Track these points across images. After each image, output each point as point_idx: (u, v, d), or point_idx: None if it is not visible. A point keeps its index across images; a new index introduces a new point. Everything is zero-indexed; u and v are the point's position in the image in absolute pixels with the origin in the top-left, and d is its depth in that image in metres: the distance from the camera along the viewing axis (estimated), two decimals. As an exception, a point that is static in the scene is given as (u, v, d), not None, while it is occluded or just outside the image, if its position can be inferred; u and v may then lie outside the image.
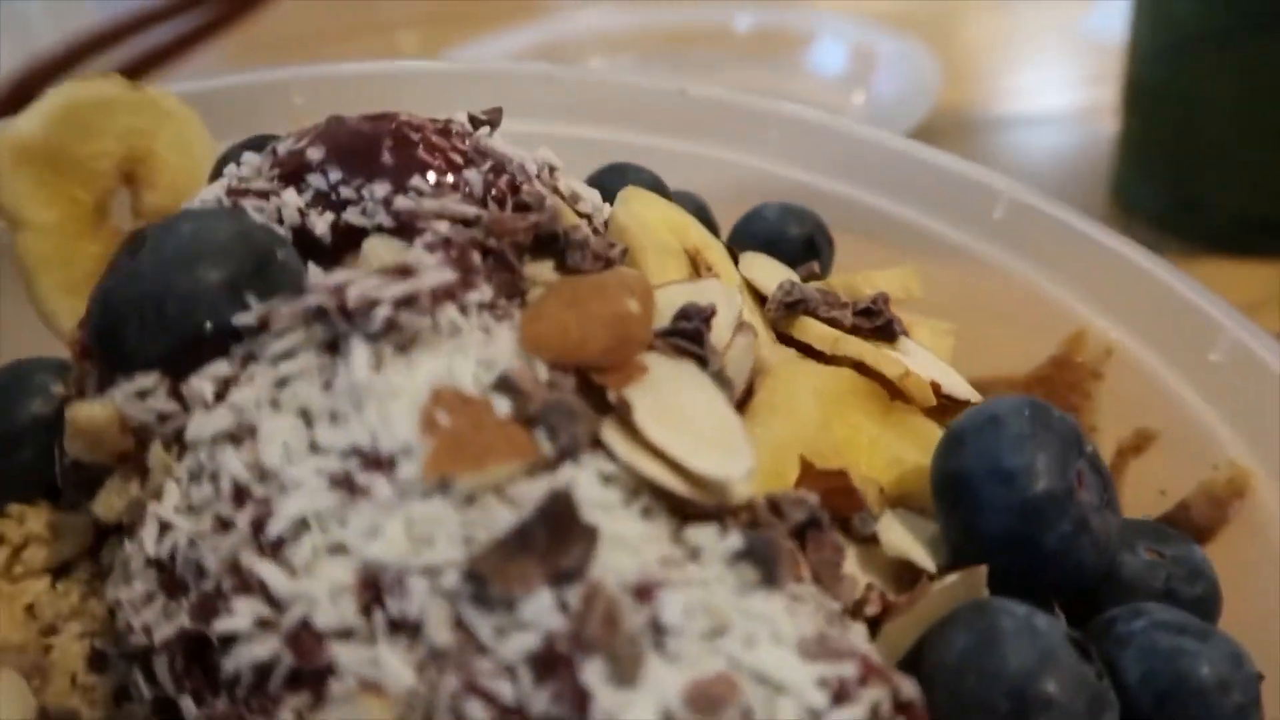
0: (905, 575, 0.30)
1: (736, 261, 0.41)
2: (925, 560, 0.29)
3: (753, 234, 0.46)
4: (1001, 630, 0.26)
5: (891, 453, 0.34)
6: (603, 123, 0.52)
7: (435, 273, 0.26)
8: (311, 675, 0.22)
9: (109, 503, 0.26)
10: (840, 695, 0.22)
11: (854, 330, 0.39)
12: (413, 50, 1.16)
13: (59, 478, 0.28)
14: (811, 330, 0.36)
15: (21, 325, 0.36)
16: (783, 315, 0.37)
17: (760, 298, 0.39)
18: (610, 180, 0.45)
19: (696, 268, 0.39)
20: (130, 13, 0.78)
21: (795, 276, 0.42)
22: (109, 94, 0.37)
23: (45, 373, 0.31)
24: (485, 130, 0.35)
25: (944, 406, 0.36)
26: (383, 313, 0.25)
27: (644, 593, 0.23)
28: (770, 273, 0.40)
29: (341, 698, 0.22)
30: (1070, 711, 0.24)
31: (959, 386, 0.37)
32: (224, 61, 0.87)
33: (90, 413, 0.25)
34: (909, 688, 0.24)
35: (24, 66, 0.76)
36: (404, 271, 0.26)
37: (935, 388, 0.36)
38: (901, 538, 0.30)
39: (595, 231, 0.36)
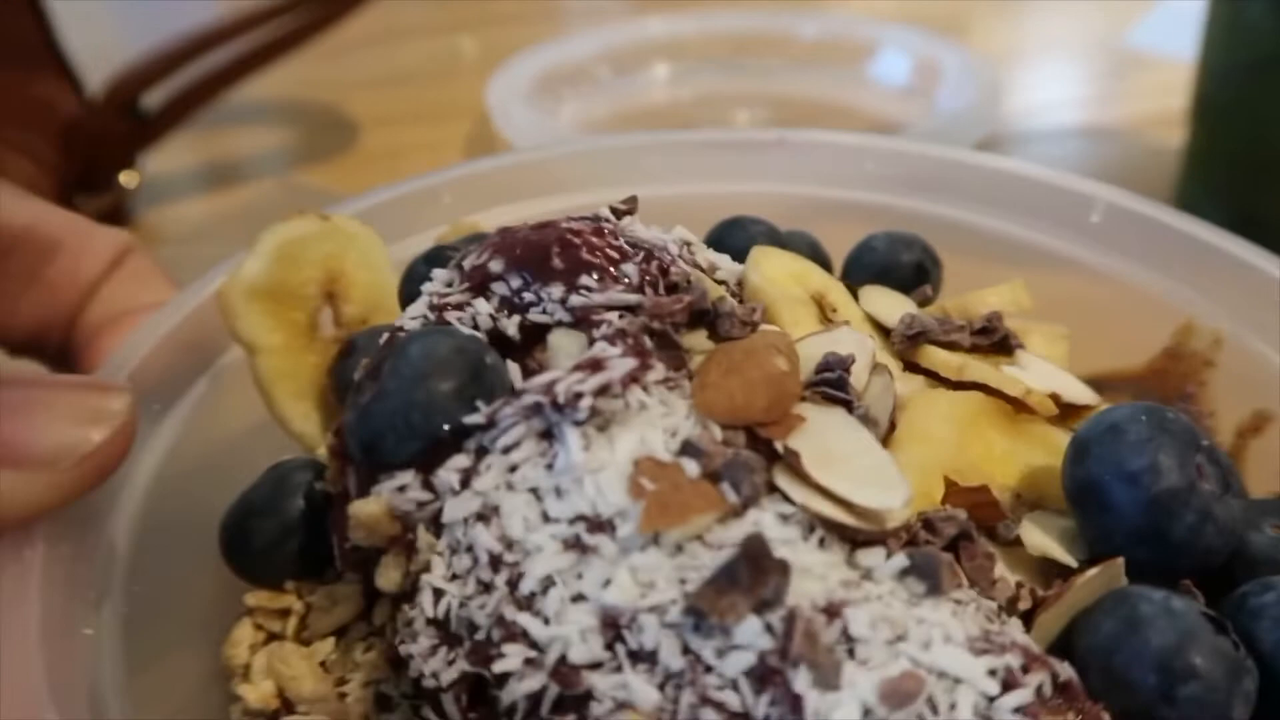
0: (1050, 571, 0.34)
1: (856, 295, 0.46)
2: (1065, 557, 0.33)
3: (865, 265, 0.51)
4: (1143, 614, 0.29)
5: (1023, 461, 0.38)
6: (710, 178, 0.57)
7: (621, 363, 0.32)
8: (574, 700, 0.28)
9: (388, 576, 0.32)
10: (1009, 682, 0.27)
11: (974, 349, 0.43)
12: (474, 54, 1.21)
13: (337, 559, 0.34)
14: (936, 358, 0.40)
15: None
16: (907, 347, 0.42)
17: (882, 329, 0.43)
18: (729, 235, 0.51)
19: (823, 310, 0.43)
20: (236, 16, 0.87)
21: (912, 304, 0.46)
22: (307, 230, 0.44)
23: (302, 471, 0.38)
24: (628, 219, 0.41)
25: (1066, 412, 0.40)
26: (586, 403, 0.31)
27: (833, 611, 0.28)
28: (890, 305, 0.45)
29: (603, 715, 0.27)
30: (1212, 681, 0.28)
31: (1078, 392, 0.41)
32: (293, 68, 0.92)
33: (367, 509, 0.31)
34: (1066, 670, 0.28)
35: (137, 63, 0.84)
36: (596, 365, 0.32)
37: (1055, 398, 0.39)
38: (1042, 539, 0.34)
39: (734, 294, 0.41)
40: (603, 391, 0.31)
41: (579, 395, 0.31)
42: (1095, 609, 0.31)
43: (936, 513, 0.33)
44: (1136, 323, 0.46)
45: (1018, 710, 0.26)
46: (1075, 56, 1.14)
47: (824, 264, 0.54)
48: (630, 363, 0.32)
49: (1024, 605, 0.32)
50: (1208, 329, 0.44)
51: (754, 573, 0.28)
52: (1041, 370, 0.42)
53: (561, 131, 0.89)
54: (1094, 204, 0.48)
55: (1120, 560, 0.32)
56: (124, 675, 0.31)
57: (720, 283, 0.41)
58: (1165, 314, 0.46)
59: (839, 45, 1.03)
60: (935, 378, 0.40)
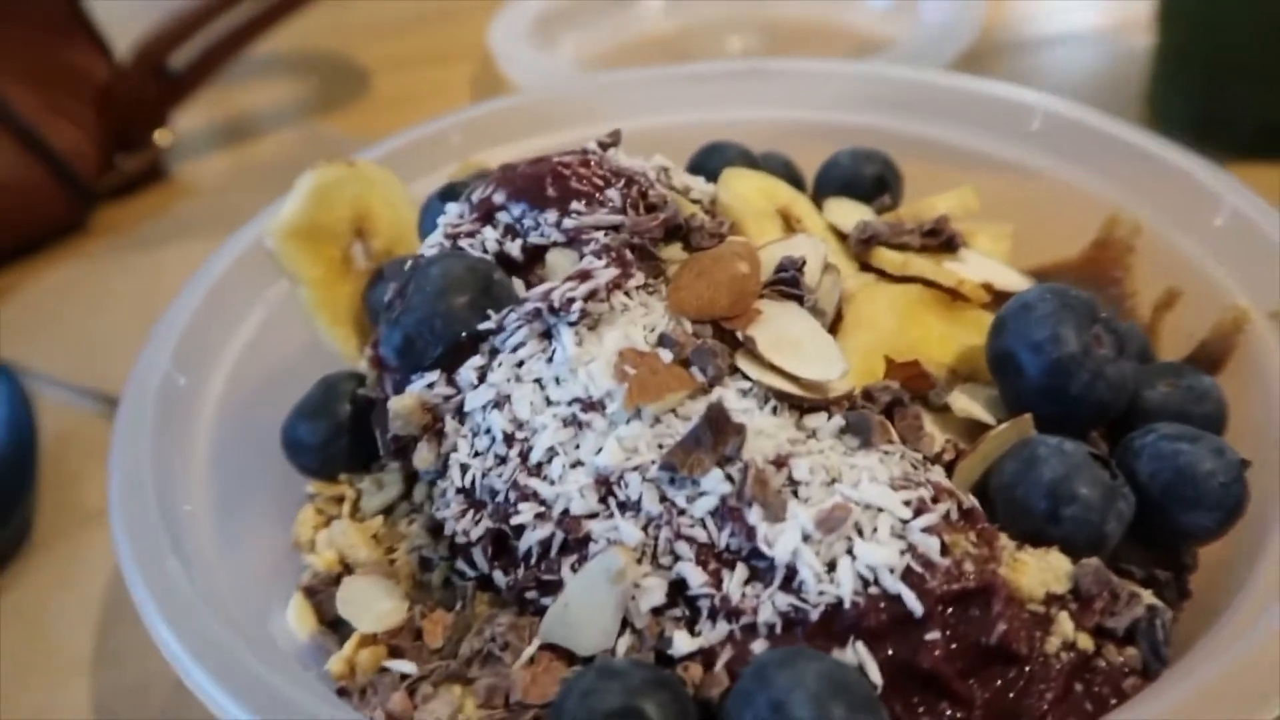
0: (975, 429, 0.41)
1: (821, 208, 0.52)
2: (986, 416, 0.40)
3: (832, 179, 0.56)
4: (1039, 455, 0.36)
5: (958, 341, 0.44)
6: (694, 108, 0.62)
7: (605, 272, 0.38)
8: (576, 543, 0.35)
9: (424, 457, 0.39)
10: (920, 509, 0.33)
11: (922, 249, 0.49)
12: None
13: (381, 448, 0.41)
14: (884, 257, 0.46)
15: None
16: (862, 249, 0.47)
17: (842, 235, 0.49)
18: (709, 159, 0.56)
19: (789, 222, 0.49)
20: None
21: (871, 212, 0.52)
22: (336, 174, 0.50)
23: (348, 382, 0.45)
24: (612, 150, 0.46)
25: (1001, 299, 0.46)
26: (577, 306, 0.37)
27: (780, 462, 0.35)
28: (848, 213, 0.50)
29: (599, 553, 0.34)
30: (1090, 502, 0.35)
31: (1011, 281, 0.47)
32: (303, 20, 0.96)
33: (404, 403, 0.38)
34: (970, 500, 0.34)
35: (163, 25, 0.89)
36: (584, 275, 0.38)
37: (988, 287, 0.45)
38: (967, 404, 0.40)
39: (707, 211, 0.47)
40: (590, 296, 0.38)
41: (571, 300, 0.37)
42: (1004, 455, 0.37)
43: (875, 385, 0.39)
44: (1072, 217, 0.52)
45: (926, 530, 0.33)
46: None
47: (797, 181, 0.59)
48: (613, 272, 0.38)
49: (948, 457, 0.38)
50: (1129, 219, 0.49)
51: (716, 434, 0.35)
52: (980, 264, 0.48)
53: (560, 69, 0.94)
54: (1033, 113, 0.54)
55: (1029, 416, 0.38)
56: (219, 543, 0.39)
57: (694, 202, 0.47)
58: (1095, 208, 0.51)
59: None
60: (885, 275, 0.46)
